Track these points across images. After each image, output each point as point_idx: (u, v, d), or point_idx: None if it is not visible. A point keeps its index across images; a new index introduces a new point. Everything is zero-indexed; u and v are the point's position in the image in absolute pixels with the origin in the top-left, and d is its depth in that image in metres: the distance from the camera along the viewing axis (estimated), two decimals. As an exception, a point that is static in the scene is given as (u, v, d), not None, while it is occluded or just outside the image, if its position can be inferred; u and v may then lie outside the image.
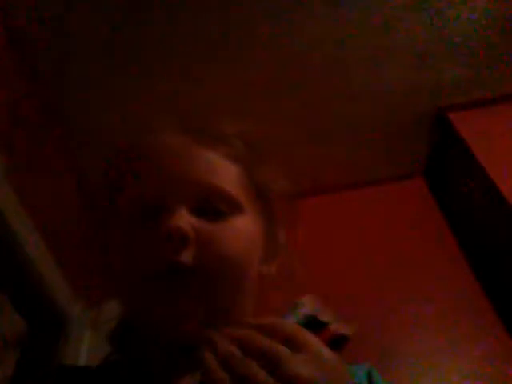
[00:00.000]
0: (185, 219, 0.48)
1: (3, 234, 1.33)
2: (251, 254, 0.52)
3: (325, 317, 0.45)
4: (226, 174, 0.53)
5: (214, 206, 0.50)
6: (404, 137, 1.86)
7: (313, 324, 0.45)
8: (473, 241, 1.72)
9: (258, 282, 0.55)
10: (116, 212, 0.54)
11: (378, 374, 0.58)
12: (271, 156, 0.60)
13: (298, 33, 1.53)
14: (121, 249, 0.51)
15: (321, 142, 1.81)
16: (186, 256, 0.47)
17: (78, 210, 1.58)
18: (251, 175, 0.55)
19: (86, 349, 1.54)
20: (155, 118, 0.58)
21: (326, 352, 0.41)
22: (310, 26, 1.52)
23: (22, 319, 1.57)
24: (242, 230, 0.51)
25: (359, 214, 1.83)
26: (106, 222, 0.56)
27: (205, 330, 0.42)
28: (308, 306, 0.45)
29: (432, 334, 1.49)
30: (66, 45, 1.44)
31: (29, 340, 1.56)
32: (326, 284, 1.60)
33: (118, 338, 0.58)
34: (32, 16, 1.36)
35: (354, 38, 1.57)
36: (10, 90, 1.36)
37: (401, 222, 1.80)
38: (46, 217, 1.50)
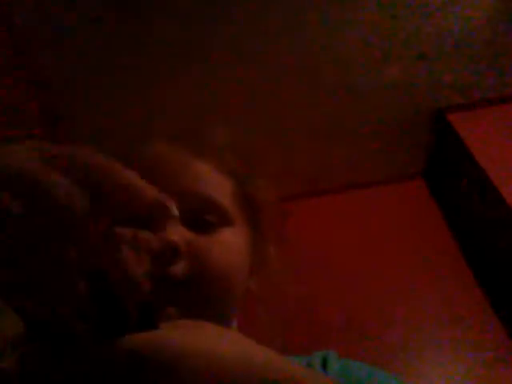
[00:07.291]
0: (177, 232, 0.47)
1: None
2: (239, 267, 0.52)
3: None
4: (216, 185, 0.53)
5: (203, 217, 0.50)
6: (403, 138, 1.86)
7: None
8: (472, 241, 1.72)
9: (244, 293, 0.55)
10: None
11: (338, 357, 0.55)
12: (262, 168, 0.60)
13: (296, 32, 1.52)
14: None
15: (321, 143, 1.81)
16: (177, 269, 0.46)
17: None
18: (242, 187, 0.56)
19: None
20: (146, 127, 0.57)
21: None
22: (310, 25, 1.52)
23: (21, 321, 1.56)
24: (232, 242, 0.51)
25: (359, 214, 1.83)
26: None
27: None
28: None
29: (430, 334, 1.49)
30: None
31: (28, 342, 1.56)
32: (325, 284, 1.60)
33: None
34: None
35: (354, 39, 1.57)
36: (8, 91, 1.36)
37: (400, 222, 1.80)
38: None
